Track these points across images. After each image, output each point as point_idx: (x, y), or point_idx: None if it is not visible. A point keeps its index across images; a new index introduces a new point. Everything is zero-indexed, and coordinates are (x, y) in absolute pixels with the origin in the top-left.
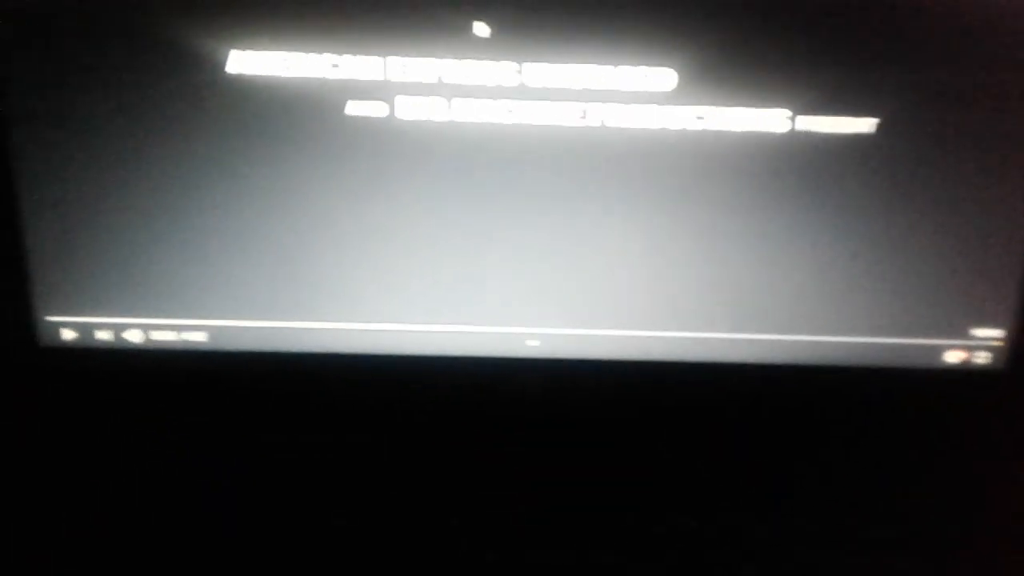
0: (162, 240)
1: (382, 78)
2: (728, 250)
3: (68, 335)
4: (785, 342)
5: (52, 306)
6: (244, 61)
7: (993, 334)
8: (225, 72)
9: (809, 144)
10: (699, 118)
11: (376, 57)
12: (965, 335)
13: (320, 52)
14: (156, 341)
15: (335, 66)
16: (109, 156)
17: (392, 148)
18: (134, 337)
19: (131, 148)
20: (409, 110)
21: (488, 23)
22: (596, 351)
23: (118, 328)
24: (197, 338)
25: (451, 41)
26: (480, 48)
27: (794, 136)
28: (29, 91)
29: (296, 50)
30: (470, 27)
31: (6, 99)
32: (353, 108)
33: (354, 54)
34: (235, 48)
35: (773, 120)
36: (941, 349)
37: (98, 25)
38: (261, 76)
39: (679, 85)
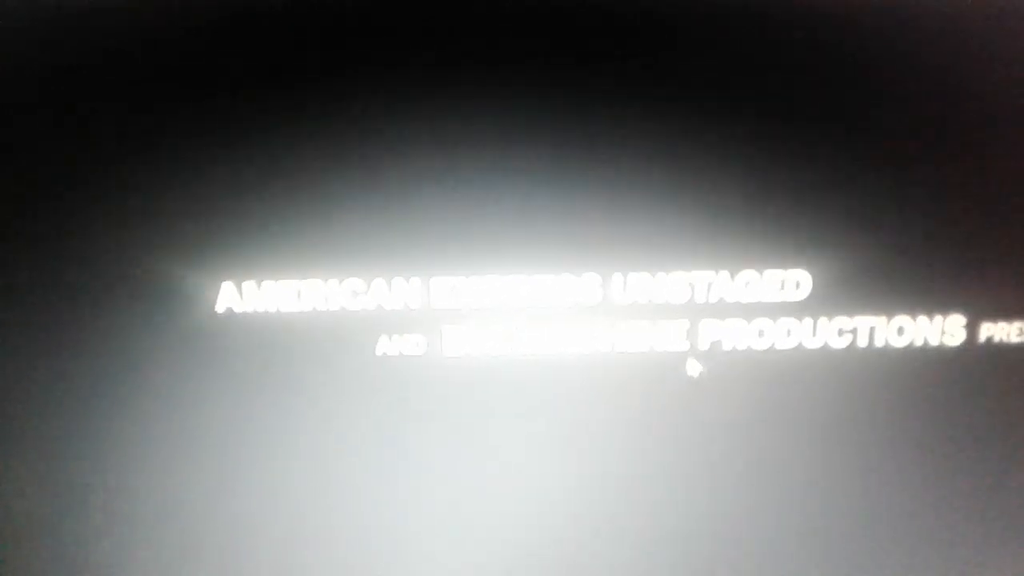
0: (121, 530)
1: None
2: (891, 504)
3: None
4: None
5: None
6: (239, 295)
7: None
8: (214, 311)
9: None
10: (842, 332)
11: (416, 279)
12: None
13: (340, 279)
14: None
15: (358, 294)
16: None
17: (433, 394)
18: None
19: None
20: (458, 343)
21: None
22: None
23: None
24: None
25: (515, 256)
26: (553, 262)
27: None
28: None
29: (306, 277)
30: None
31: None
32: (385, 346)
33: (386, 279)
34: (227, 280)
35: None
36: None
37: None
38: (260, 313)
39: (813, 292)
